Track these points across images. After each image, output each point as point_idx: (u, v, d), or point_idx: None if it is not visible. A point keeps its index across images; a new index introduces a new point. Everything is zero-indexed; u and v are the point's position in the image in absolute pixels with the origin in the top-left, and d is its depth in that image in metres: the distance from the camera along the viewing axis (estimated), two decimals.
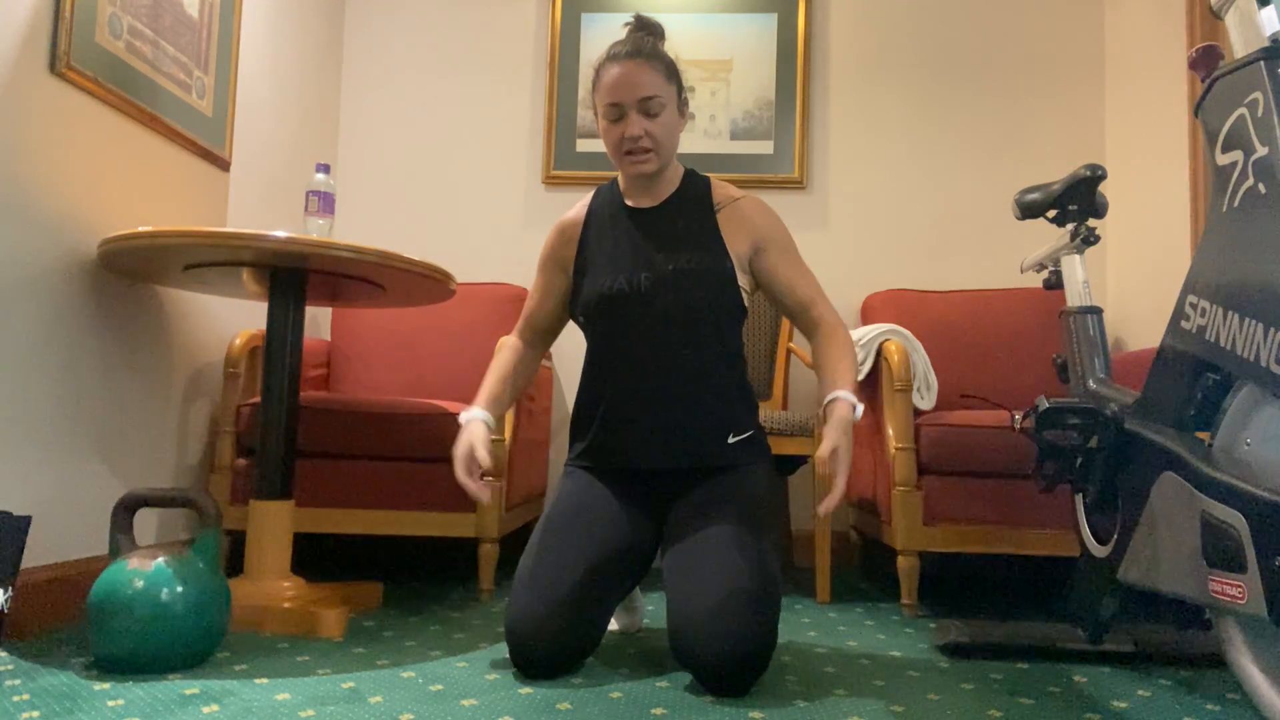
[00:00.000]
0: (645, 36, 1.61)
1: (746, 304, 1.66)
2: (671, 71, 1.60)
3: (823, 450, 1.39)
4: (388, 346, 2.74)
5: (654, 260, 1.60)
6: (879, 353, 2.31)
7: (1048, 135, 2.99)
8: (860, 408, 1.49)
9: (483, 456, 1.53)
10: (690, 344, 1.59)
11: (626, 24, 1.65)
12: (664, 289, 1.58)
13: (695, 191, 1.67)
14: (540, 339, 1.80)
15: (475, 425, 1.59)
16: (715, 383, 1.60)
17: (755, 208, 1.65)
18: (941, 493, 2.10)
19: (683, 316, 1.58)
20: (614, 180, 1.74)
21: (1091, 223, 2.92)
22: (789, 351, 2.75)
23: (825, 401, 1.49)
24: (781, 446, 2.25)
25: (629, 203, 1.69)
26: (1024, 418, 1.66)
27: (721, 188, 1.68)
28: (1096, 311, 1.82)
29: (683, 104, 1.64)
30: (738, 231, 1.62)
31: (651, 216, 1.66)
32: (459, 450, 1.55)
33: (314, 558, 2.73)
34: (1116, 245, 2.88)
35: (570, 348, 2.97)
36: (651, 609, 2.06)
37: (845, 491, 1.45)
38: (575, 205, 1.75)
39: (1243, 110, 1.24)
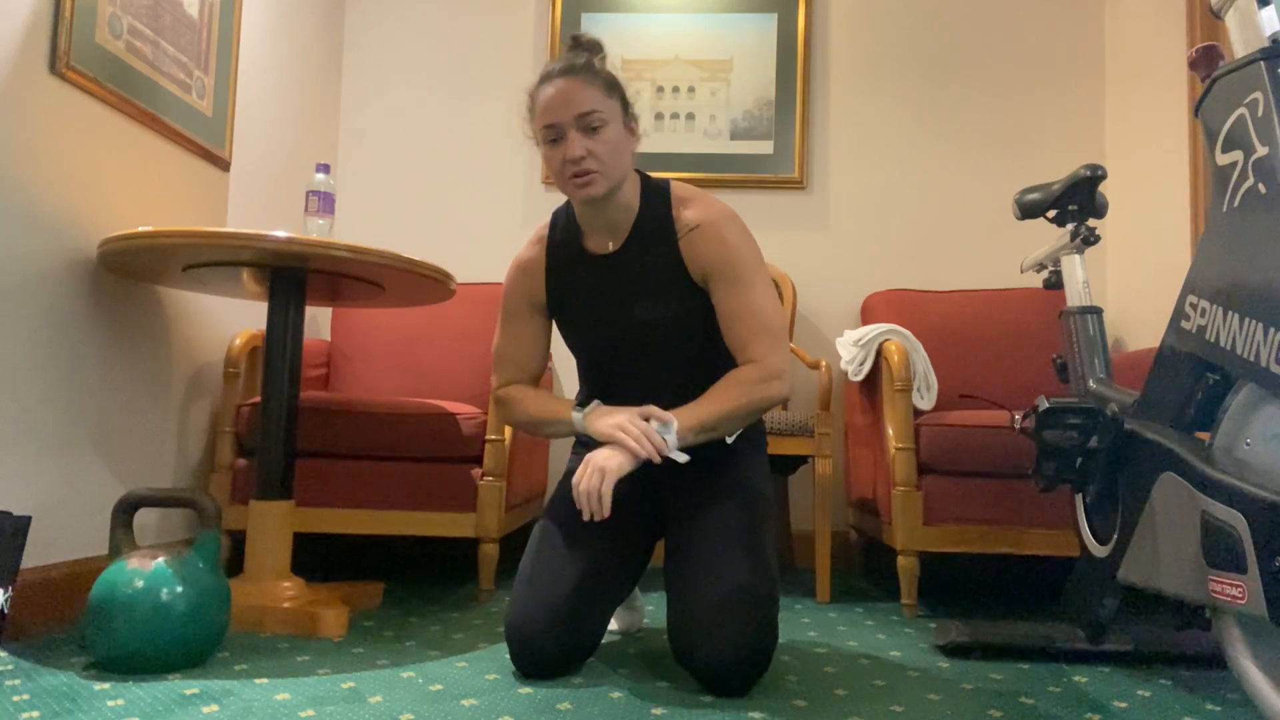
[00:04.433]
0: (580, 53, 1.50)
1: None
2: (612, 86, 1.49)
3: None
4: (388, 346, 2.74)
5: (626, 313, 1.56)
6: (879, 353, 2.31)
7: (1048, 135, 2.99)
8: (673, 438, 1.42)
9: (647, 424, 1.43)
10: (678, 372, 1.58)
11: (564, 43, 1.55)
12: (641, 339, 1.56)
13: (656, 219, 1.55)
14: (535, 382, 1.68)
15: (603, 415, 1.47)
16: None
17: (707, 237, 1.51)
18: (941, 493, 2.10)
19: (665, 357, 1.57)
20: (569, 205, 1.62)
21: (1091, 223, 2.92)
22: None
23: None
24: (781, 447, 2.25)
25: (589, 247, 1.58)
26: (1024, 418, 1.66)
27: (683, 208, 1.55)
28: (1096, 311, 1.82)
29: (630, 120, 1.52)
30: (694, 262, 1.53)
31: (614, 264, 1.56)
32: (623, 438, 1.42)
33: (314, 558, 2.73)
34: (1116, 245, 2.88)
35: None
36: (651, 609, 2.06)
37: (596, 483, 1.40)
38: (529, 240, 1.65)
39: (1243, 110, 1.24)
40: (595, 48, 1.52)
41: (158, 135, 2.06)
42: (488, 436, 2.21)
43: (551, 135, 1.47)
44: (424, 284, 1.91)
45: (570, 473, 1.67)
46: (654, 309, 1.54)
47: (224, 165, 2.35)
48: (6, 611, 1.49)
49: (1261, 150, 1.19)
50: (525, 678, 1.46)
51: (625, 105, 1.52)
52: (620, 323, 1.57)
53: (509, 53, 3.11)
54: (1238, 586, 1.12)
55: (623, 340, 1.58)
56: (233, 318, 2.43)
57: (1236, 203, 1.25)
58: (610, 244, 1.57)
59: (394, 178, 3.09)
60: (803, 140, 2.99)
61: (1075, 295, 1.85)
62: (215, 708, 1.27)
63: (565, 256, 1.61)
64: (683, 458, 1.44)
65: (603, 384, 1.64)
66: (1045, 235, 2.97)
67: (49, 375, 1.74)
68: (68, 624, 1.75)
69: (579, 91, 1.45)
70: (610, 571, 1.52)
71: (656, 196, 1.57)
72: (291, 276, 1.87)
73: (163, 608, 1.42)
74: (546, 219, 1.66)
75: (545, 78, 1.48)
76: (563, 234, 1.62)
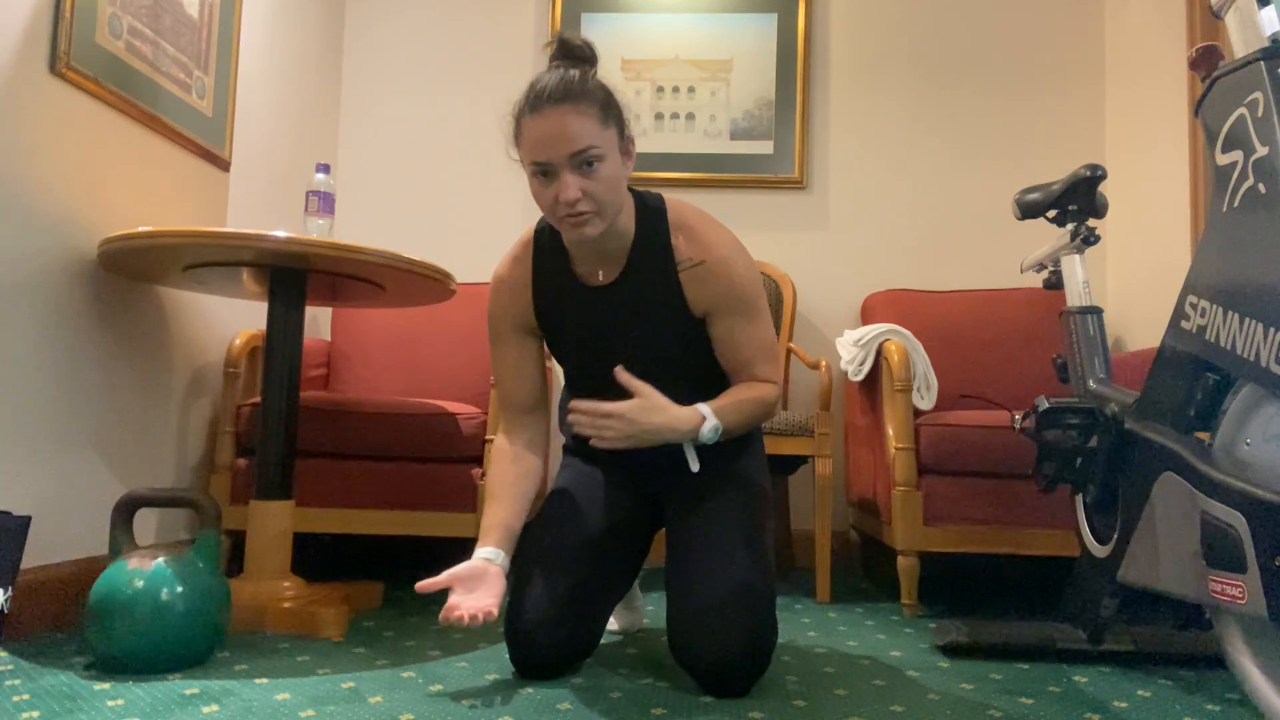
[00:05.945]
0: (571, 70, 1.36)
1: None
2: (608, 109, 1.37)
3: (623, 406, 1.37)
4: (388, 346, 2.74)
5: (622, 346, 1.50)
6: (879, 353, 2.31)
7: (1048, 135, 2.99)
8: (708, 428, 1.40)
9: (489, 607, 1.33)
10: (674, 395, 1.47)
11: (548, 45, 1.42)
12: (636, 371, 1.47)
13: (654, 248, 1.47)
14: (535, 422, 1.59)
15: (493, 571, 1.41)
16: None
17: (716, 274, 1.45)
18: (941, 493, 2.10)
19: (658, 386, 1.46)
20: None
21: (1091, 223, 2.92)
22: (789, 351, 2.74)
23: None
24: (781, 447, 2.25)
25: (579, 274, 1.50)
26: (1024, 418, 1.66)
27: (682, 237, 1.47)
28: (1096, 311, 1.82)
29: (626, 143, 1.41)
30: (698, 296, 1.47)
31: (608, 296, 1.48)
32: (463, 572, 1.38)
33: (314, 558, 2.73)
34: (1116, 245, 2.88)
35: None
36: (651, 609, 2.06)
37: (612, 429, 1.38)
38: (511, 255, 1.55)
39: (1243, 110, 1.24)
40: (588, 56, 1.41)
41: (158, 135, 2.06)
42: (488, 436, 2.21)
43: (542, 169, 1.36)
44: (424, 284, 1.91)
45: (563, 468, 1.67)
46: (652, 344, 1.49)
47: (224, 165, 2.35)
48: (6, 611, 1.49)
49: (1261, 150, 1.19)
50: (525, 678, 1.46)
51: (621, 128, 1.40)
52: (614, 354, 1.51)
53: (509, 52, 3.11)
54: (1238, 586, 1.12)
55: (615, 377, 1.49)
56: (233, 318, 2.43)
57: (1236, 203, 1.25)
58: (602, 274, 1.49)
59: (394, 178, 3.09)
60: (803, 140, 2.99)
61: (1075, 295, 1.85)
62: (215, 708, 1.27)
63: (554, 283, 1.52)
64: (695, 465, 1.45)
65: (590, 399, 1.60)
66: (1045, 235, 2.97)
67: (49, 375, 1.74)
68: (68, 624, 1.75)
69: (573, 125, 1.32)
70: (608, 568, 1.52)
71: (653, 220, 1.48)
72: (291, 276, 1.87)
73: (163, 608, 1.42)
74: (524, 231, 1.55)
75: (534, 103, 1.34)
76: (549, 256, 1.52)
